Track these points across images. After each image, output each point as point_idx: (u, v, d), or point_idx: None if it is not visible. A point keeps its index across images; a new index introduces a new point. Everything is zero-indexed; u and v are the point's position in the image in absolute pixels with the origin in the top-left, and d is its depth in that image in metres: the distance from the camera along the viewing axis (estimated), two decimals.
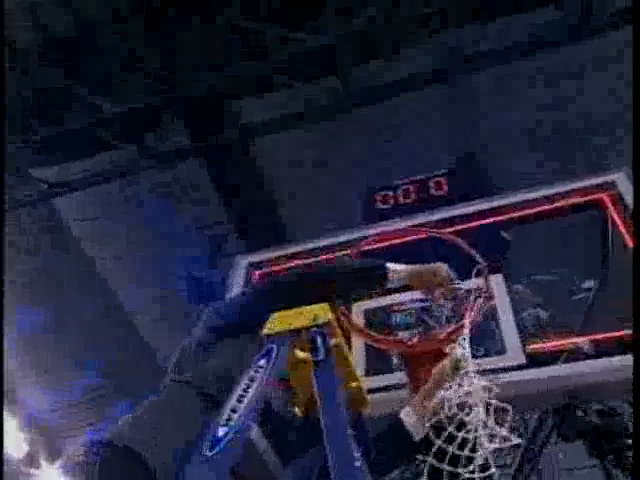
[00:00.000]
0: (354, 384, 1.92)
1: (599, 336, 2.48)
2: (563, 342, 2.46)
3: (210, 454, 1.54)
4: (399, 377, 2.44)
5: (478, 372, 1.97)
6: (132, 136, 6.18)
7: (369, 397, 2.03)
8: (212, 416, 1.59)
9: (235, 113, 6.36)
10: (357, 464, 1.51)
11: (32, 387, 8.06)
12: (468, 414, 1.74)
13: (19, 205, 6.48)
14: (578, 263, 3.15)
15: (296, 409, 1.97)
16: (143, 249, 7.50)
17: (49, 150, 6.44)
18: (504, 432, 1.69)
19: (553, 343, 2.49)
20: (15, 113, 6.09)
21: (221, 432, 1.59)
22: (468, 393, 1.79)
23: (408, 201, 3.77)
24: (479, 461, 1.67)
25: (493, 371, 2.39)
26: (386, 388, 2.45)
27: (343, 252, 2.86)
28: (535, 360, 2.39)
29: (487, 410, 1.75)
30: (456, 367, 1.93)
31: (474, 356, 2.41)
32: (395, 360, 2.56)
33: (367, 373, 2.66)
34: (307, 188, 6.51)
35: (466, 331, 2.21)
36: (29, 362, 7.87)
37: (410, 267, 2.22)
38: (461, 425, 1.76)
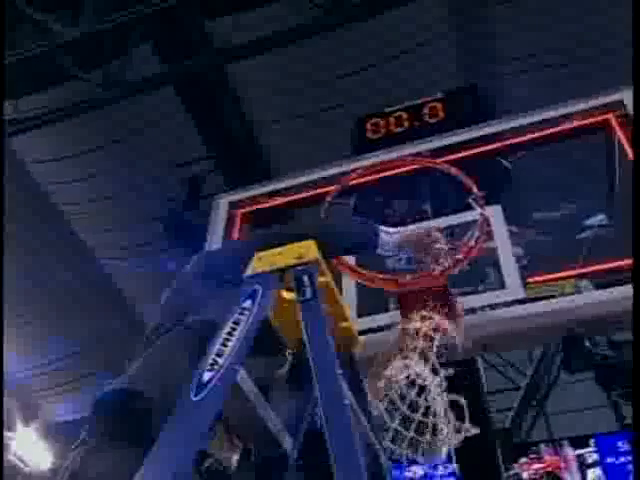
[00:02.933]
0: (344, 324, 2.01)
1: (601, 267, 2.56)
2: (563, 275, 2.54)
3: (195, 399, 1.63)
4: (393, 317, 2.53)
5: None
6: (95, 64, 6.05)
7: (361, 338, 2.12)
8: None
9: (209, 34, 6.23)
10: (346, 402, 1.61)
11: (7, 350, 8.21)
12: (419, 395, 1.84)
13: None
14: (585, 198, 3.21)
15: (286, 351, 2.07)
16: (114, 192, 7.49)
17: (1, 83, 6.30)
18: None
19: (552, 276, 2.58)
20: None
21: (206, 377, 1.67)
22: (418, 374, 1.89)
23: (401, 129, 3.76)
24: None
25: (493, 306, 2.49)
26: (380, 329, 2.54)
27: (330, 187, 2.88)
28: (535, 294, 2.48)
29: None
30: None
31: (474, 292, 2.51)
32: (389, 300, 2.64)
33: (360, 314, 2.74)
34: (290, 118, 6.46)
35: (463, 266, 2.29)
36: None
37: (404, 231, 2.23)
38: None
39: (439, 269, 2.29)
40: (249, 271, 1.89)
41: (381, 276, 2.32)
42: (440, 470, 8.32)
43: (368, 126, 3.89)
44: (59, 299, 7.98)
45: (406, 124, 3.76)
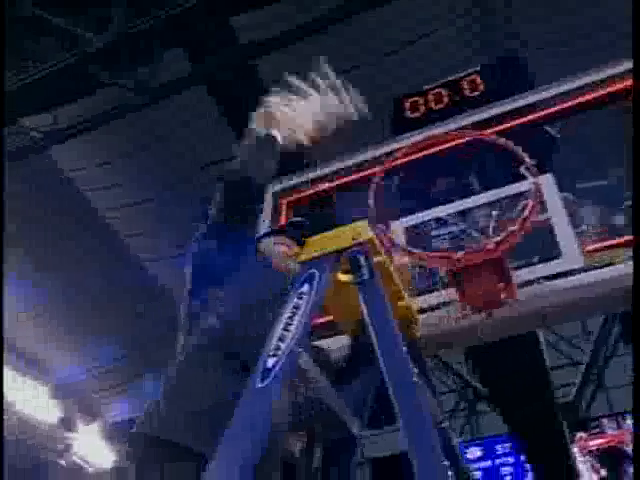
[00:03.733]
0: (402, 303, 2.01)
1: None
2: (621, 241, 2.49)
3: (261, 385, 1.66)
4: (446, 294, 2.52)
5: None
6: (126, 69, 6.13)
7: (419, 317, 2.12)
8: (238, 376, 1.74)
9: (235, 31, 6.25)
10: (414, 380, 1.61)
11: (60, 356, 8.46)
12: None
13: (14, 158, 6.56)
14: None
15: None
16: (151, 195, 7.61)
17: (37, 95, 6.44)
18: None
19: (610, 242, 2.52)
20: None
21: (270, 362, 1.70)
22: None
23: (440, 106, 3.70)
24: None
25: (550, 277, 2.45)
26: (433, 308, 2.53)
27: (374, 169, 2.86)
28: (592, 263, 2.43)
29: None
30: None
31: (529, 264, 2.47)
32: (440, 277, 2.62)
33: (411, 294, 2.73)
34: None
35: (518, 238, 2.26)
36: (51, 331, 8.22)
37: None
38: None
39: (493, 242, 2.27)
40: (303, 256, 1.91)
41: (432, 255, 2.31)
42: (499, 449, 8.28)
43: (406, 105, 3.84)
44: (105, 303, 8.17)
45: (446, 100, 3.71)
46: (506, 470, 8.18)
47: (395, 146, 3.04)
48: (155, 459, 1.69)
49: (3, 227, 6.37)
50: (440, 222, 2.78)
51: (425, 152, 2.91)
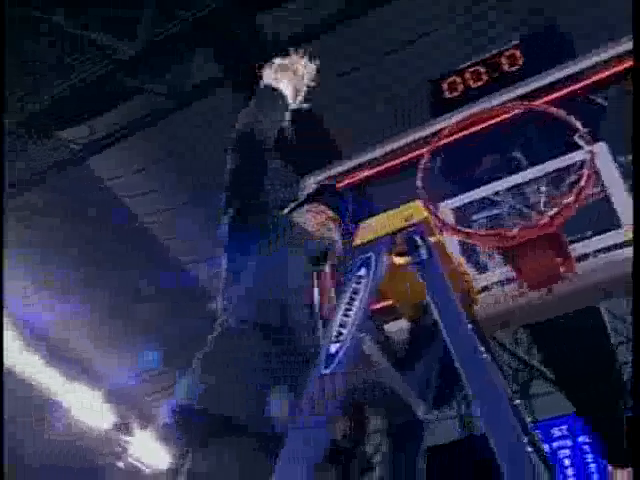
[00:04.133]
0: (460, 281, 1.98)
1: None
2: None
3: (326, 371, 1.65)
4: (501, 273, 2.48)
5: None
6: (156, 75, 6.20)
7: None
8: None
9: (258, 29, 6.26)
10: (484, 357, 1.58)
11: (111, 361, 8.63)
12: None
13: (54, 170, 6.69)
14: None
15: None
16: (187, 198, 7.68)
17: (72, 107, 6.56)
18: None
19: None
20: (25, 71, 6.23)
21: (333, 349, 1.69)
22: None
23: (480, 83, 3.63)
24: None
25: (608, 249, 2.39)
26: (488, 287, 2.49)
27: (419, 150, 2.83)
28: None
29: None
30: None
31: (584, 238, 2.41)
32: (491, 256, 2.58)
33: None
34: (358, 98, 6.41)
35: (573, 211, 2.21)
36: (101, 337, 8.40)
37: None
38: None
39: (548, 216, 2.22)
40: (358, 240, 1.89)
41: (485, 233, 2.27)
42: (556, 432, 8.12)
43: (444, 86, 3.79)
44: (150, 306, 8.29)
45: (484, 77, 3.64)
46: (564, 453, 8.04)
47: (438, 127, 3.00)
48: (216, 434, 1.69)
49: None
50: (488, 201, 2.74)
51: (470, 130, 2.87)
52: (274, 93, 2.26)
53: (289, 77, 2.29)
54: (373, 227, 1.89)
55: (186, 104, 6.18)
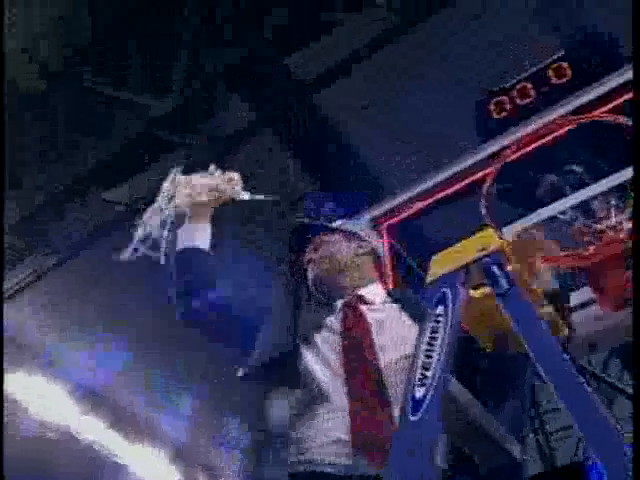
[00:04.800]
0: (544, 309, 1.91)
1: None
2: None
3: (415, 418, 1.60)
4: (583, 293, 2.40)
5: None
6: (192, 128, 6.34)
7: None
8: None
9: (289, 69, 6.36)
10: (586, 387, 1.51)
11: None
12: None
13: (101, 234, 6.85)
14: None
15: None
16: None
17: (113, 169, 6.74)
18: None
19: None
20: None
21: (419, 394, 1.64)
22: None
23: (528, 100, 3.59)
24: None
25: None
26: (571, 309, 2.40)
27: (478, 174, 2.78)
28: None
29: None
30: None
31: None
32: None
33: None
34: (395, 129, 6.44)
35: None
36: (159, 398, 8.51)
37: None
38: None
39: (625, 230, 2.14)
40: (430, 278, 1.85)
41: (564, 254, 2.19)
42: None
43: (491, 107, 3.76)
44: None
45: (532, 93, 3.60)
46: None
47: (494, 148, 2.96)
48: None
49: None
50: (555, 219, 2.67)
51: (531, 146, 2.81)
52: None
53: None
54: (446, 259, 1.85)
55: (226, 152, 6.29)
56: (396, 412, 1.74)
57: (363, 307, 2.07)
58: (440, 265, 1.85)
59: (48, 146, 6.63)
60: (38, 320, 8.43)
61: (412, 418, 1.62)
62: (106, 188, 6.88)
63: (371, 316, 2.02)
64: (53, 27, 6.08)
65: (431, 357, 1.70)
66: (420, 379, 1.68)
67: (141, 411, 8.49)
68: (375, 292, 2.18)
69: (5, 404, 8.16)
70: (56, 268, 7.13)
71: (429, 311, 1.77)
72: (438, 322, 1.76)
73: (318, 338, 1.94)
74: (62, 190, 6.49)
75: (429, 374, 1.67)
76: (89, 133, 6.72)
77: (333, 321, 2.01)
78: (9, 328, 8.25)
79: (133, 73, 6.42)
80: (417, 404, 1.64)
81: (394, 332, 1.99)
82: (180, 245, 2.17)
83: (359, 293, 2.13)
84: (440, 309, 1.78)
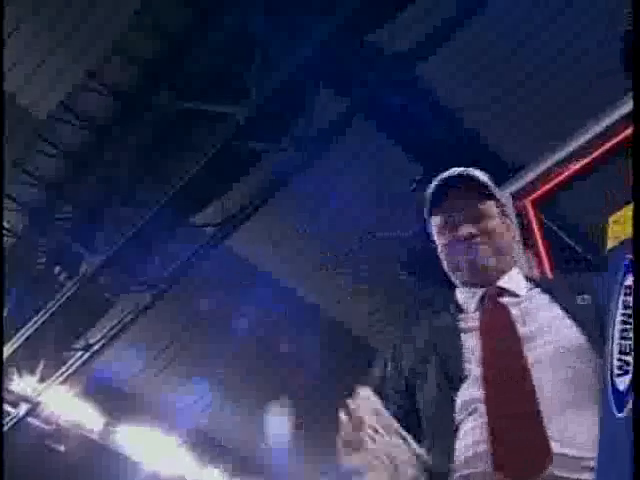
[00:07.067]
0: None
1: None
2: None
3: (622, 415, 1.43)
4: None
5: None
6: (279, 131, 6.30)
7: None
8: None
9: (377, 47, 6.25)
10: None
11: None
12: None
13: (196, 259, 6.98)
14: None
15: None
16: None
17: (199, 189, 6.80)
18: None
19: None
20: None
21: (622, 385, 1.46)
22: None
23: None
24: None
25: None
26: None
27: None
28: None
29: None
30: None
31: None
32: None
33: None
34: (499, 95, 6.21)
35: None
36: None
37: None
38: None
39: None
40: (612, 240, 1.67)
41: None
42: None
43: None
44: None
45: None
46: None
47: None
48: None
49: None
50: None
51: None
52: None
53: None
54: (627, 219, 1.65)
55: (317, 152, 6.21)
56: (553, 418, 1.56)
57: (505, 300, 1.83)
58: (621, 226, 1.66)
59: (132, 175, 6.89)
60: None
61: (619, 415, 1.45)
62: (194, 212, 7.01)
63: (515, 311, 1.79)
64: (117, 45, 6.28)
65: (627, 338, 1.52)
66: (620, 366, 1.50)
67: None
68: (518, 280, 1.92)
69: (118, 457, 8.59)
70: (151, 306, 7.32)
71: (618, 282, 1.59)
72: (628, 294, 1.57)
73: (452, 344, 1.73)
74: (148, 220, 6.61)
75: (629, 359, 1.49)
76: (170, 155, 6.88)
77: (469, 320, 1.79)
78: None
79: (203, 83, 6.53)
80: (621, 396, 1.47)
81: (544, 323, 1.75)
82: None
83: (499, 284, 1.88)
84: (629, 280, 1.59)
